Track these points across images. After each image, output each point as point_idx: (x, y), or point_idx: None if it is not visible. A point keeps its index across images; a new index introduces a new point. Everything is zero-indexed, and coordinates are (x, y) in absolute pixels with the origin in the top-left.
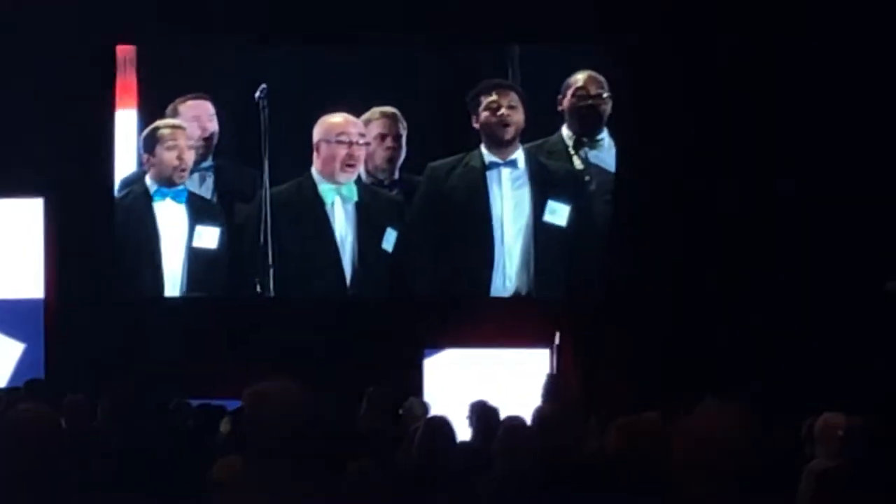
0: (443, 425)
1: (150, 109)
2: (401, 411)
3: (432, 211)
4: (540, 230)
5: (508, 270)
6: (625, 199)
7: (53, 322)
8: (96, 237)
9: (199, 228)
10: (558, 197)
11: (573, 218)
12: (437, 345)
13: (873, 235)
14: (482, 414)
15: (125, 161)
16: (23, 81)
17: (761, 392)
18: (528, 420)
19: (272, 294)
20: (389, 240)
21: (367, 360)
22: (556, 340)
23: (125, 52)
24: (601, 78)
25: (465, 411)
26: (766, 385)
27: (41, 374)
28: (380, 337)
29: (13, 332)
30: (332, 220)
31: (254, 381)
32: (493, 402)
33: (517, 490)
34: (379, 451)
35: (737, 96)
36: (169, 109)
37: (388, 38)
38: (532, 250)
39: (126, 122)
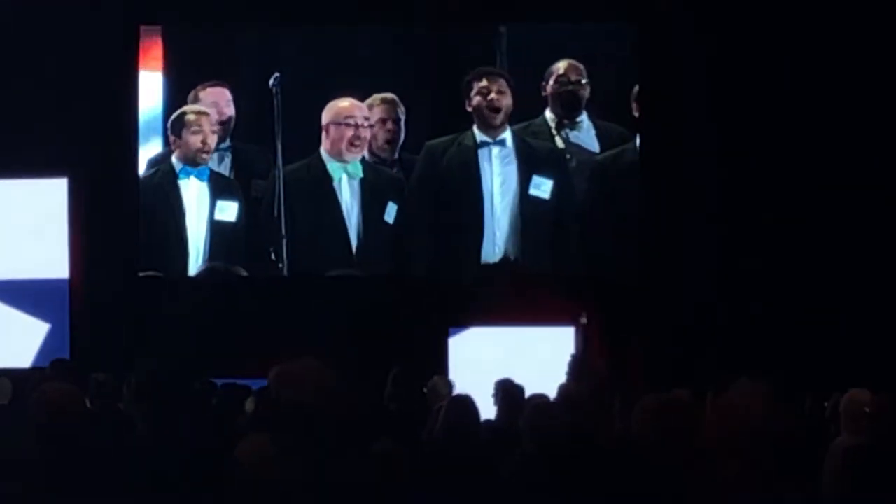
0: (467, 404)
1: (175, 93)
2: (425, 390)
3: (429, 186)
4: (526, 202)
5: (498, 238)
6: (654, 183)
7: (79, 302)
8: (121, 217)
9: (220, 203)
10: (542, 173)
11: (556, 191)
12: (463, 323)
13: None
14: (508, 392)
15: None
16: (47, 62)
17: (789, 370)
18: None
19: (285, 262)
20: (391, 212)
21: (392, 338)
22: (583, 319)
23: (151, 39)
24: (580, 66)
25: (491, 389)
26: (794, 363)
27: (66, 355)
28: (405, 315)
29: (39, 313)
30: (339, 195)
31: (279, 360)
32: (518, 380)
33: (544, 468)
34: (403, 429)
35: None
36: (191, 96)
37: (388, 27)
38: (519, 221)
39: (151, 97)
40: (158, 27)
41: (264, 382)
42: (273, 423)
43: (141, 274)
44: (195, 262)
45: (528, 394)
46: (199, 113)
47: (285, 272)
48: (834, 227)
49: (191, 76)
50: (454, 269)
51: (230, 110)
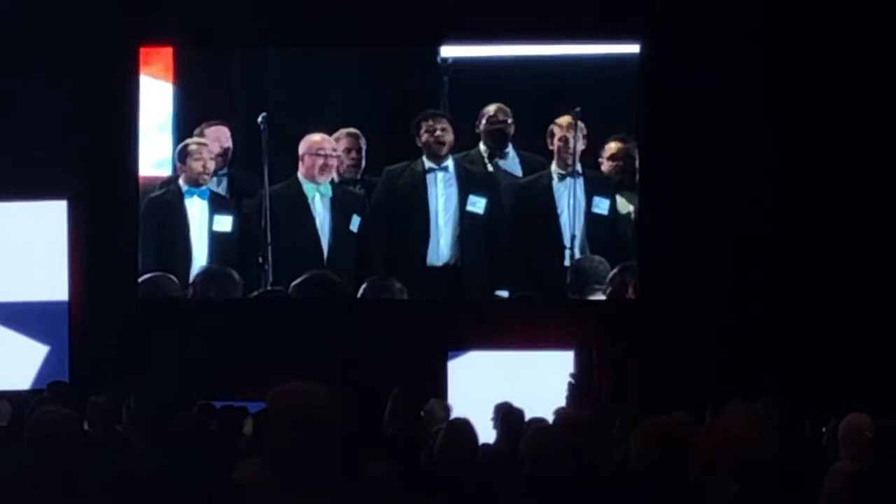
0: (465, 427)
1: (183, 129)
2: (423, 413)
3: (387, 202)
4: (464, 216)
5: (441, 246)
6: (652, 204)
7: (78, 324)
8: (120, 239)
9: (217, 217)
10: (477, 193)
11: (488, 208)
12: (462, 346)
13: None
14: (507, 416)
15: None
16: (47, 86)
17: (788, 393)
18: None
19: (270, 265)
20: (355, 223)
21: (391, 361)
22: (582, 344)
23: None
24: (507, 108)
25: (490, 413)
26: (793, 386)
27: (65, 377)
28: (404, 339)
29: (37, 335)
30: (313, 210)
31: (277, 382)
32: (517, 403)
33: (544, 492)
34: (401, 452)
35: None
36: (197, 130)
37: (354, 72)
38: (458, 231)
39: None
40: (169, 49)
41: (262, 405)
42: (271, 445)
43: (146, 276)
44: (197, 265)
45: (527, 417)
46: (200, 144)
47: (270, 274)
48: (835, 247)
49: (198, 115)
50: (404, 270)
51: (228, 143)
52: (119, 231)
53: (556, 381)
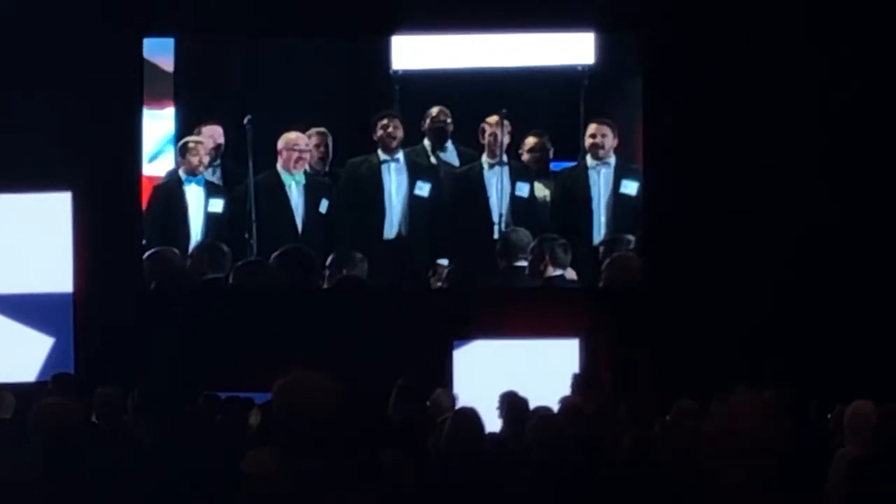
0: (471, 416)
1: (183, 126)
2: (428, 403)
3: (349, 188)
4: (412, 199)
5: (394, 222)
6: (657, 192)
7: (83, 316)
8: (124, 231)
9: (211, 200)
10: (423, 179)
11: (431, 192)
12: (467, 335)
13: None
14: (512, 404)
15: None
16: (52, 81)
17: (793, 381)
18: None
19: (255, 240)
20: (324, 206)
21: (397, 351)
22: (587, 331)
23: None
24: (447, 110)
25: (495, 402)
26: (797, 373)
27: (70, 369)
28: (410, 328)
29: (42, 327)
30: (289, 195)
31: (283, 373)
32: (522, 392)
33: (551, 479)
34: (408, 441)
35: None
36: (195, 130)
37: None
38: (407, 210)
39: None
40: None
41: (268, 395)
42: (278, 435)
43: (152, 250)
44: (194, 240)
45: (532, 406)
46: (196, 142)
47: (254, 248)
48: (842, 235)
49: (196, 115)
50: (364, 243)
51: (221, 139)
52: (122, 222)
53: (560, 370)
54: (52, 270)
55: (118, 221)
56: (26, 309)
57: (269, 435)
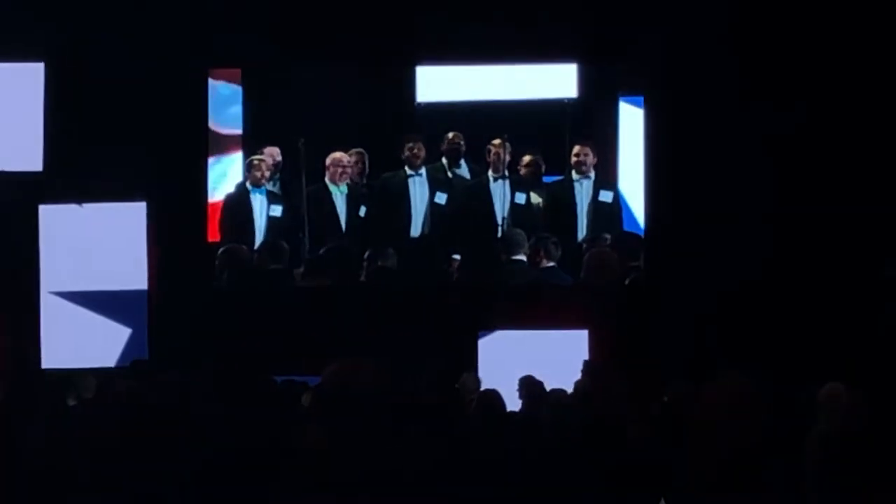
0: (494, 397)
1: (251, 147)
2: (457, 385)
3: (383, 197)
4: (433, 206)
5: (418, 225)
6: (659, 186)
7: (155, 310)
8: (191, 236)
9: (272, 206)
10: (441, 191)
11: (448, 201)
12: (491, 326)
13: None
14: (530, 387)
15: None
16: (127, 103)
17: (775, 365)
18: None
19: (307, 240)
20: (362, 211)
21: (429, 340)
22: (595, 323)
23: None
24: (460, 133)
25: (515, 385)
26: (777, 359)
27: (145, 356)
28: (442, 320)
29: (121, 319)
30: (335, 203)
31: (331, 359)
32: (539, 377)
33: (562, 453)
34: (439, 420)
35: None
36: (259, 150)
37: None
38: (428, 215)
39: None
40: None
41: (318, 379)
42: (327, 415)
43: (227, 246)
44: (258, 239)
45: (547, 388)
46: (260, 159)
47: (307, 246)
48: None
49: (261, 140)
50: (394, 240)
51: (279, 158)
52: (189, 229)
53: (572, 357)
54: (130, 270)
55: (185, 228)
56: (107, 304)
57: (319, 414)
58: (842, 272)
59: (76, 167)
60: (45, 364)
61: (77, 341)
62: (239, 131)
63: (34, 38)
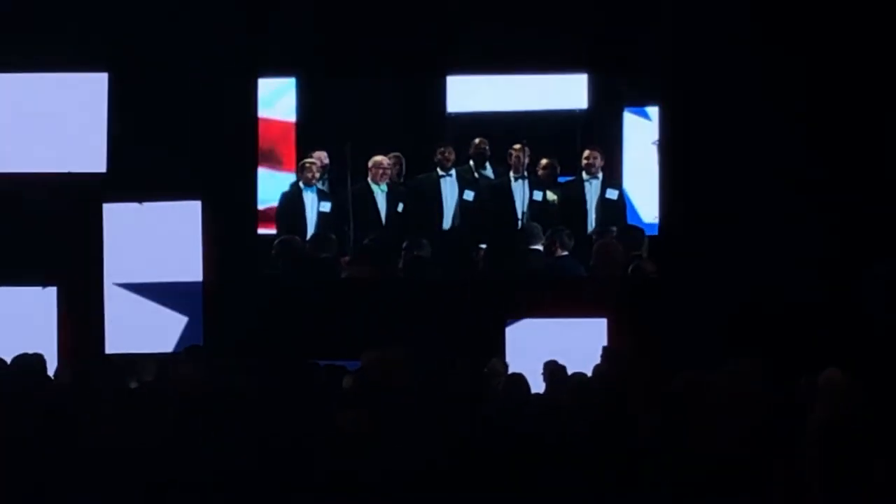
0: (520, 380)
1: (302, 151)
2: (486, 369)
3: (418, 195)
4: (462, 203)
5: (449, 219)
6: (674, 184)
7: (210, 300)
8: (242, 231)
9: (322, 203)
10: (469, 189)
11: (475, 198)
12: (517, 316)
13: None
14: (553, 371)
15: None
16: (182, 106)
17: (777, 354)
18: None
19: (352, 233)
20: (400, 207)
21: (460, 328)
22: (613, 313)
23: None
24: (486, 140)
25: (540, 369)
26: (778, 349)
27: (200, 342)
28: (470, 310)
29: (178, 308)
30: (376, 200)
31: (369, 346)
32: (561, 361)
33: (581, 433)
34: (469, 401)
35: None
36: (309, 154)
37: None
38: (458, 210)
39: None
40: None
41: (357, 364)
42: (365, 397)
43: (282, 237)
44: (310, 231)
45: (569, 372)
46: (311, 162)
47: (351, 237)
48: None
49: (310, 145)
50: (428, 233)
51: (327, 161)
52: (240, 225)
53: (592, 344)
54: (186, 263)
55: (237, 224)
56: (165, 294)
57: (358, 395)
58: (840, 269)
59: (137, 169)
60: (108, 349)
61: (138, 328)
62: (292, 119)
63: (98, 50)
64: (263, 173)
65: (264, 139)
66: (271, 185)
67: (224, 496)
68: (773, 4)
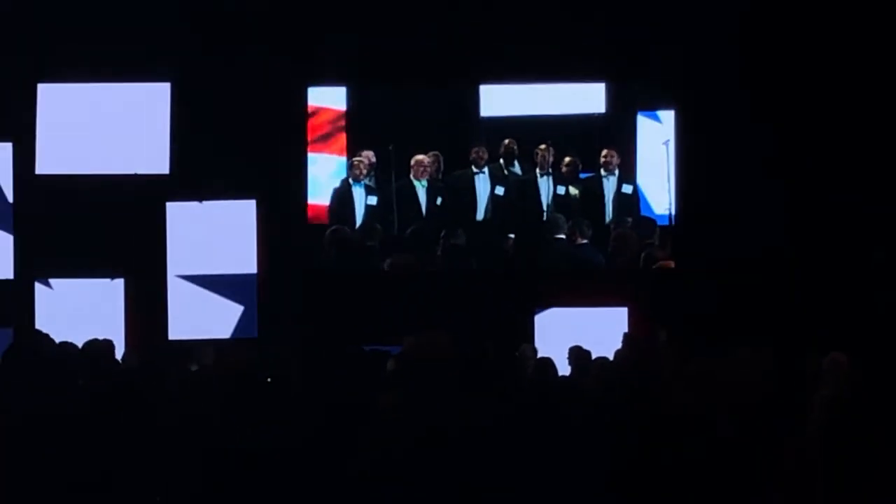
0: (548, 364)
1: (352, 150)
2: (517, 354)
3: (455, 190)
4: (493, 197)
5: (482, 211)
6: (690, 177)
7: (264, 291)
8: (294, 228)
9: (369, 197)
10: (500, 185)
11: (505, 192)
12: (545, 305)
13: None
14: (578, 355)
15: None
16: (237, 112)
17: (784, 337)
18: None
19: (396, 224)
20: (439, 201)
21: (493, 316)
22: (633, 302)
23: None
24: (514, 140)
25: (565, 353)
26: (788, 332)
27: (254, 331)
28: (502, 299)
29: (235, 298)
30: (418, 194)
31: (410, 332)
32: (585, 346)
33: (605, 411)
34: (502, 383)
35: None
36: (357, 153)
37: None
38: (490, 204)
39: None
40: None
41: (400, 348)
42: (406, 379)
43: (334, 227)
44: (358, 222)
45: (593, 357)
46: (359, 160)
47: (395, 228)
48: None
49: (359, 145)
50: (463, 223)
51: (373, 159)
52: (292, 222)
53: (614, 331)
54: (241, 257)
55: (288, 221)
56: (222, 285)
57: (400, 377)
58: (842, 257)
59: (197, 170)
60: (171, 336)
61: (198, 317)
62: (343, 108)
63: (162, 62)
64: (320, 156)
65: (321, 125)
66: (325, 167)
67: (274, 467)
68: (776, 15)
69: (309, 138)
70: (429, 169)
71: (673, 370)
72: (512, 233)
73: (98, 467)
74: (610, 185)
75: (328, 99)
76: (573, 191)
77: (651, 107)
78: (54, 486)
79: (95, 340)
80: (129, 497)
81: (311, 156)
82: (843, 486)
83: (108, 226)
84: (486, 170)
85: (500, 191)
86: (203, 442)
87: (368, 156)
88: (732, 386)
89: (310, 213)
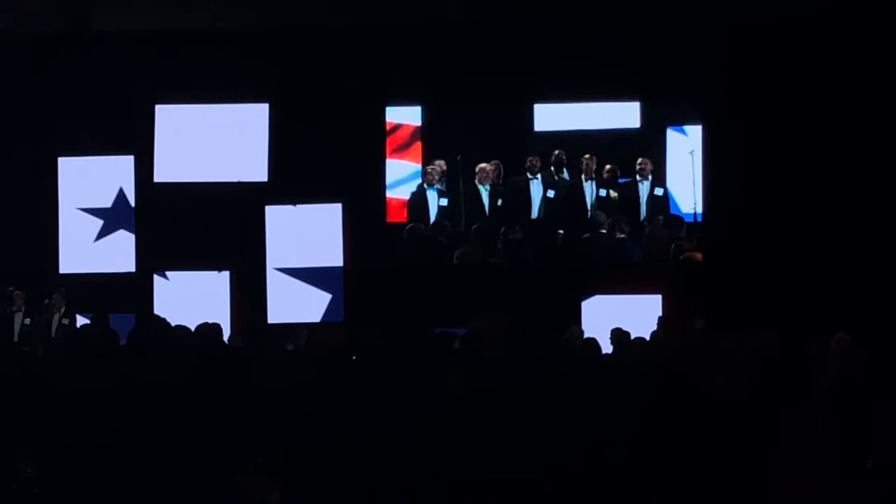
0: (593, 343)
1: (426, 160)
2: (567, 334)
3: (512, 194)
4: (546, 199)
5: (535, 211)
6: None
7: (349, 281)
8: (374, 227)
9: (441, 200)
10: (551, 189)
11: (557, 195)
12: (591, 293)
13: None
14: (619, 336)
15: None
16: (325, 128)
17: (796, 321)
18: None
19: (464, 222)
20: (500, 202)
21: (546, 303)
22: (667, 290)
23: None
24: (563, 151)
25: (608, 334)
26: (799, 316)
27: (341, 316)
28: (554, 289)
29: (325, 287)
30: (482, 197)
31: (475, 316)
32: (625, 328)
33: (641, 383)
34: (553, 359)
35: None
36: (431, 162)
37: (499, 134)
38: (544, 205)
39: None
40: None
41: (464, 331)
42: (470, 357)
43: (412, 224)
44: (432, 220)
45: (632, 337)
46: (432, 168)
47: (463, 225)
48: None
49: (432, 155)
50: (520, 221)
51: (445, 167)
52: (373, 222)
53: (650, 314)
54: (330, 252)
55: (370, 221)
56: (315, 276)
57: (465, 357)
58: (848, 251)
59: (291, 178)
60: (270, 320)
61: (292, 303)
62: (418, 123)
63: (261, 85)
64: (399, 163)
65: (401, 138)
66: (402, 172)
67: (353, 429)
68: (791, 38)
69: (390, 149)
70: (491, 175)
71: (699, 348)
72: (561, 229)
73: (204, 428)
74: (644, 188)
75: (407, 116)
76: (613, 193)
77: (679, 122)
78: (165, 439)
79: (206, 324)
80: (228, 451)
81: (391, 162)
82: (847, 453)
83: (215, 226)
84: (539, 176)
85: (550, 194)
86: (296, 408)
87: (440, 164)
88: (747, 363)
89: (390, 208)
